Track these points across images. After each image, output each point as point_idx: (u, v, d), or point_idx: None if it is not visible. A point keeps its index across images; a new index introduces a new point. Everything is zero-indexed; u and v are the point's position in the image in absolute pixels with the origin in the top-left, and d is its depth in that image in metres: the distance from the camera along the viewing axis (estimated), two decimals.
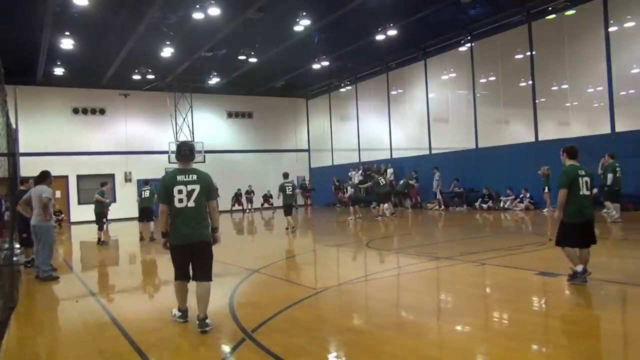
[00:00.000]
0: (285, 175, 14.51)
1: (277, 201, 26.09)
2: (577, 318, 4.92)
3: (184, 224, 4.85)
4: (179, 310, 5.20)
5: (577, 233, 5.95)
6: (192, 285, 5.05)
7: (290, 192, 14.21)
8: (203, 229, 4.94)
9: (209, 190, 5.02)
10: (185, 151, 5.09)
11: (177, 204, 4.85)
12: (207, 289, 4.92)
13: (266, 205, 27.65)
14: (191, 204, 4.86)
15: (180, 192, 4.86)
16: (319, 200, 28.99)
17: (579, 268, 5.91)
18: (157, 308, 6.15)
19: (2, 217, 9.90)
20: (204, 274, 4.93)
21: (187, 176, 4.94)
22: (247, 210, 26.99)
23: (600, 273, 6.34)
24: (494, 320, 5.12)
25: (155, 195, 12.98)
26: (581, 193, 5.95)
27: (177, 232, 4.89)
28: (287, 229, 13.98)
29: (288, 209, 14.22)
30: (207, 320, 4.85)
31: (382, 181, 18.11)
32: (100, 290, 7.80)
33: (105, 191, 14.00)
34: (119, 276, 9.63)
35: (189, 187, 4.88)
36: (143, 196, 14.27)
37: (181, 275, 5.03)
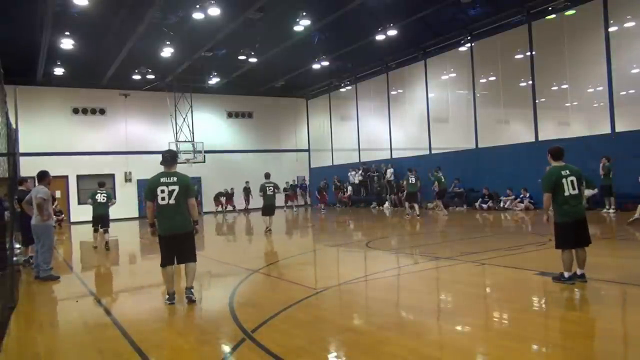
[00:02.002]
0: (267, 176, 14.44)
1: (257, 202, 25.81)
2: (577, 318, 4.92)
3: (166, 218, 5.85)
4: (167, 293, 5.99)
5: (571, 233, 5.97)
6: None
7: (271, 193, 14.05)
8: (183, 222, 5.90)
9: (187, 190, 5.93)
10: (167, 157, 6.07)
11: (160, 202, 5.81)
12: (193, 267, 6.03)
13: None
14: (172, 201, 5.81)
15: (162, 191, 5.80)
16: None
17: (567, 274, 5.97)
18: (157, 308, 6.14)
19: (2, 217, 9.88)
20: (189, 257, 5.99)
21: (168, 178, 5.89)
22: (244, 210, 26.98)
23: (600, 273, 6.34)
24: (494, 320, 5.12)
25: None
26: (566, 194, 5.95)
27: (161, 224, 5.88)
28: (267, 229, 13.97)
29: (267, 209, 14.12)
30: (192, 290, 5.99)
31: (411, 179, 17.42)
32: (100, 290, 7.81)
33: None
34: (119, 276, 9.63)
35: (170, 188, 5.82)
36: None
37: (166, 261, 5.93)
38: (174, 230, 5.83)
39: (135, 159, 25.74)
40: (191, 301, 5.91)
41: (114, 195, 13.07)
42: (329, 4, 17.19)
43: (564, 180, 5.98)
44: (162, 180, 5.84)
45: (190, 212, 5.96)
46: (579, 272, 6.01)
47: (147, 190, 5.89)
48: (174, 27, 18.23)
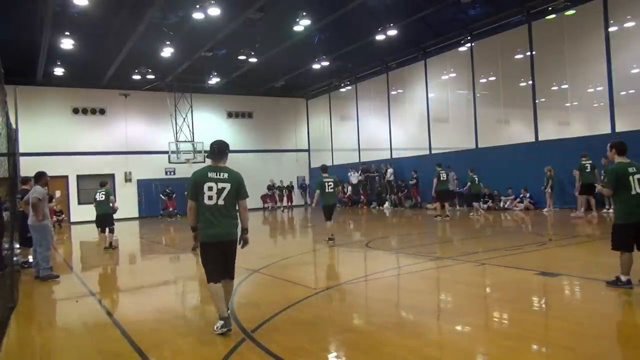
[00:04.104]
0: (324, 169, 11.53)
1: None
2: (577, 318, 4.92)
3: (212, 221, 4.81)
4: (221, 318, 4.77)
5: (628, 235, 5.56)
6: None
7: (332, 190, 11.19)
8: (231, 228, 4.92)
9: (239, 190, 4.95)
10: (215, 149, 5.06)
11: (207, 201, 4.81)
12: (232, 286, 5.10)
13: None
14: (221, 202, 4.82)
15: (210, 189, 4.82)
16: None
17: (624, 278, 5.57)
18: (157, 308, 6.14)
19: (2, 217, 9.88)
20: (230, 272, 5.00)
21: (218, 174, 4.90)
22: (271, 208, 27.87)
23: (600, 273, 6.34)
24: (494, 320, 5.12)
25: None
26: (633, 192, 5.51)
27: (207, 230, 4.85)
28: (329, 239, 11.06)
29: (329, 211, 11.24)
30: (227, 311, 4.92)
31: (442, 176, 15.72)
32: (100, 290, 7.80)
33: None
34: (119, 276, 9.64)
35: (220, 185, 4.84)
36: None
37: (216, 275, 4.87)
38: (220, 237, 4.84)
39: (135, 159, 25.74)
40: (228, 330, 4.74)
41: (112, 193, 12.54)
42: (329, 4, 17.18)
43: (631, 178, 5.53)
44: (210, 175, 4.85)
45: (241, 217, 5.02)
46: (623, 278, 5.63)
47: (192, 186, 4.88)
48: (174, 27, 18.22)
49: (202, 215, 4.83)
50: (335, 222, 11.10)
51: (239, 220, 5.00)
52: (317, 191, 11.16)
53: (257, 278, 7.78)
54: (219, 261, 4.87)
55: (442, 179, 15.69)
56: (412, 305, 5.76)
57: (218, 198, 4.80)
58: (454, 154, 21.00)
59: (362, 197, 25.12)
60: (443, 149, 21.69)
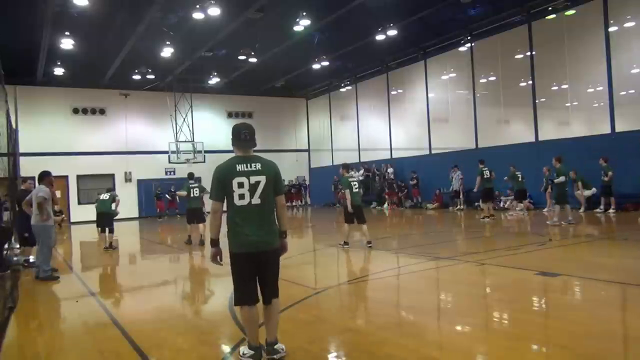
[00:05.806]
0: (347, 167, 10.63)
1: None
2: (577, 318, 4.91)
3: (248, 226, 3.81)
4: (250, 347, 3.91)
5: None
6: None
7: (357, 190, 10.28)
8: (271, 234, 3.90)
9: (276, 183, 3.95)
10: (246, 135, 3.93)
11: (238, 201, 3.80)
12: (277, 308, 3.98)
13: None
14: (256, 200, 3.81)
15: (241, 185, 3.80)
16: (319, 200, 29.01)
17: None
18: (157, 308, 6.14)
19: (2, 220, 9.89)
20: (272, 290, 3.93)
21: (248, 165, 3.85)
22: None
23: (600, 273, 6.34)
24: (494, 320, 5.12)
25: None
26: None
27: (240, 237, 3.82)
28: (344, 243, 10.47)
29: (357, 213, 10.33)
30: (276, 346, 3.88)
31: (486, 174, 14.64)
32: (101, 290, 7.80)
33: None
34: (119, 276, 9.64)
35: (253, 179, 3.82)
36: (193, 195, 12.01)
37: (248, 297, 3.84)
38: (256, 247, 3.80)
39: (135, 159, 25.77)
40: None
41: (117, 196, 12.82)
42: (329, 4, 17.19)
43: None
44: (239, 168, 3.81)
45: (279, 217, 4.02)
46: None
47: (216, 184, 3.84)
48: (174, 27, 18.25)
49: (232, 220, 3.85)
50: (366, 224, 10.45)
51: (277, 223, 4.01)
52: (347, 191, 10.17)
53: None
54: (253, 278, 3.84)
55: (485, 176, 14.73)
56: (412, 305, 5.76)
57: (252, 196, 3.80)
58: (454, 154, 21.01)
59: (386, 196, 23.75)
60: (443, 149, 21.71)
